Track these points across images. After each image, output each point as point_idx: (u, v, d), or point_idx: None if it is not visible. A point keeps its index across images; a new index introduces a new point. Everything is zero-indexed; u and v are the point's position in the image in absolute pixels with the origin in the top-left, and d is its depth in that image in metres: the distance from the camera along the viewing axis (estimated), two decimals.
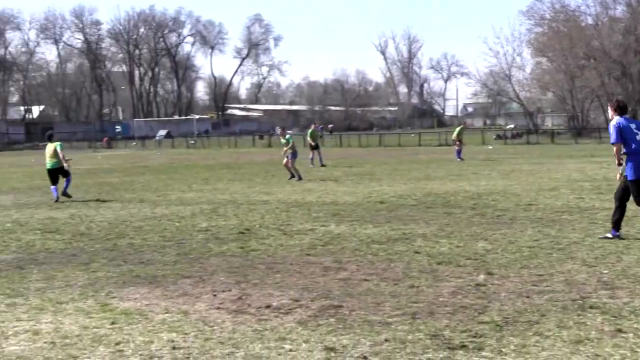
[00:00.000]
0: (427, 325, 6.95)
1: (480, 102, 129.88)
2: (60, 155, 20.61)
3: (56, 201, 20.06)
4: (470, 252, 10.66)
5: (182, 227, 14.36)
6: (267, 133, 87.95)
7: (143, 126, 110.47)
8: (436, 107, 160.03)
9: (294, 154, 26.35)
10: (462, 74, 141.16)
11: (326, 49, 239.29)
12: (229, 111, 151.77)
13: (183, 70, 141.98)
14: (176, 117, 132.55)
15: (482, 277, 8.96)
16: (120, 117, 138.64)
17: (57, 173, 20.72)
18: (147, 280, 9.39)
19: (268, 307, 7.84)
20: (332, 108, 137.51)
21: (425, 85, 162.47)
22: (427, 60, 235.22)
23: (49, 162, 20.76)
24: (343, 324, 7.11)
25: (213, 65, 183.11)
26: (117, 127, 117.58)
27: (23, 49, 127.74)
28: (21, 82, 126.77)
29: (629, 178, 11.28)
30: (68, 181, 20.82)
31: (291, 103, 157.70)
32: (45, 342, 6.74)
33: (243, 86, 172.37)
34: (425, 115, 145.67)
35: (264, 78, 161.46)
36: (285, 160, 26.47)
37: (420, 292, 8.31)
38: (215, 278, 9.41)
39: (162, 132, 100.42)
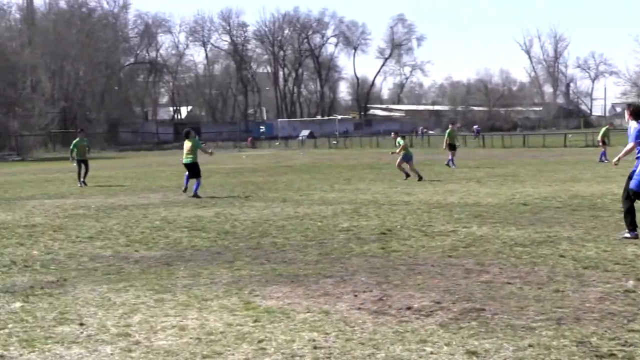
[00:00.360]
0: (573, 332, 6.74)
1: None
2: (200, 150, 22.59)
3: (184, 191, 22.08)
4: (619, 256, 10.27)
5: (324, 226, 14.48)
6: (409, 133, 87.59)
7: (286, 126, 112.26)
8: (583, 107, 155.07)
9: (406, 156, 27.13)
10: (611, 73, 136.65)
11: (469, 48, 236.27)
12: (371, 111, 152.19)
13: (326, 70, 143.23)
14: (319, 117, 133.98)
15: (631, 283, 8.62)
16: (265, 117, 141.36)
17: (191, 169, 22.13)
18: (289, 279, 9.50)
19: (409, 308, 7.79)
20: (475, 108, 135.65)
21: (572, 84, 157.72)
22: (573, 59, 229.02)
23: (185, 158, 22.31)
24: (485, 327, 6.98)
25: (356, 66, 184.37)
26: (261, 127, 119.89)
27: (173, 52, 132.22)
28: (171, 84, 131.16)
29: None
30: (198, 184, 21.91)
31: (433, 103, 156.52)
32: (191, 338, 6.92)
33: (385, 86, 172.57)
34: (572, 116, 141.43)
35: (407, 78, 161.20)
36: (397, 161, 27.58)
37: (566, 297, 8.07)
38: (357, 278, 9.43)
39: (305, 132, 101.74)
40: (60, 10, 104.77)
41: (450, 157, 33.67)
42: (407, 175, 26.72)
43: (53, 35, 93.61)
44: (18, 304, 8.45)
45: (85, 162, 27.53)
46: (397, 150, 27.31)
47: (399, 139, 27.92)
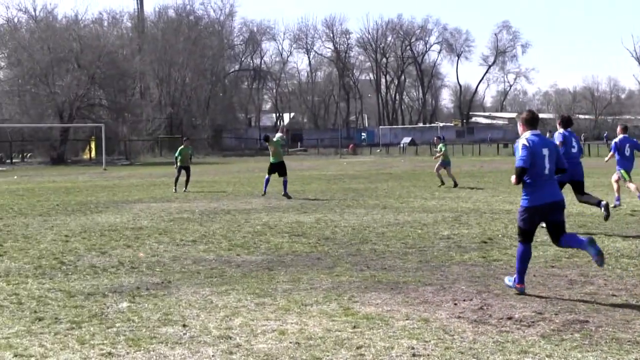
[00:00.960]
0: None
1: None
2: (277, 148, 24.79)
3: (263, 195, 24.34)
4: None
5: (424, 234, 14.40)
6: (513, 141, 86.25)
7: (388, 133, 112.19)
8: None
9: (444, 162, 27.98)
10: None
11: (576, 55, 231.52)
12: (474, 119, 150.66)
13: (429, 78, 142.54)
14: (420, 124, 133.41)
15: None
16: (366, 124, 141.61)
17: (275, 168, 24.60)
18: (389, 286, 9.49)
19: (510, 318, 7.68)
20: (581, 117, 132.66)
21: None
22: None
23: (272, 158, 24.74)
24: (589, 340, 6.82)
25: (459, 73, 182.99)
26: (362, 134, 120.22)
27: (277, 59, 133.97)
28: (274, 90, 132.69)
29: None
30: (285, 182, 24.20)
31: (538, 111, 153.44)
32: (290, 342, 6.98)
33: (488, 94, 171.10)
34: None
35: (510, 86, 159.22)
36: (436, 166, 28.47)
37: None
38: (457, 287, 9.35)
39: (406, 139, 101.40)
40: (169, 18, 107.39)
41: None
42: (442, 183, 27.66)
43: (162, 43, 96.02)
44: (125, 304, 8.70)
45: (187, 169, 28.01)
46: (437, 155, 28.28)
47: (440, 144, 28.54)
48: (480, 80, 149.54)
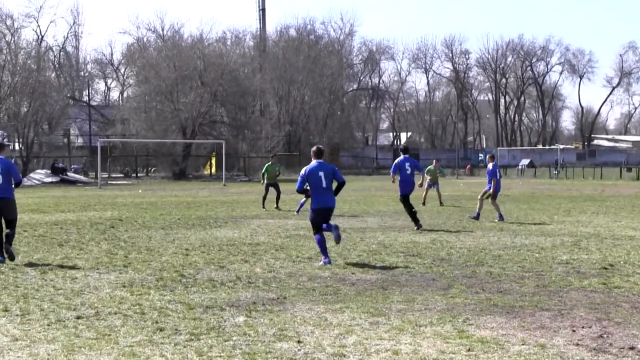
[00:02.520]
0: None
1: None
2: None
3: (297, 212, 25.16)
4: None
5: (541, 258, 14.11)
6: (637, 165, 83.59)
7: (506, 154, 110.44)
8: None
9: (433, 182, 30.68)
10: None
11: None
12: (595, 142, 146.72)
13: (549, 99, 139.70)
14: (539, 146, 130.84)
15: None
16: (484, 145, 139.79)
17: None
18: (505, 309, 9.34)
19: (632, 348, 7.44)
20: None
21: None
22: None
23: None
24: None
25: (580, 94, 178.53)
26: (480, 154, 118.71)
27: (395, 78, 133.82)
28: (391, 110, 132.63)
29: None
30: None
31: None
32: None
33: (612, 116, 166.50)
34: None
35: (635, 108, 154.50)
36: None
37: None
38: (575, 313, 9.12)
39: (525, 161, 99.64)
40: (290, 37, 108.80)
41: None
42: (424, 204, 29.33)
43: (282, 62, 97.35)
44: (242, 318, 8.84)
45: (276, 186, 27.72)
46: (427, 179, 28.41)
47: (439, 165, 31.59)
48: (604, 102, 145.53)
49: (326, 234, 13.63)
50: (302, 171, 13.80)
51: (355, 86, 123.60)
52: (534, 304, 9.65)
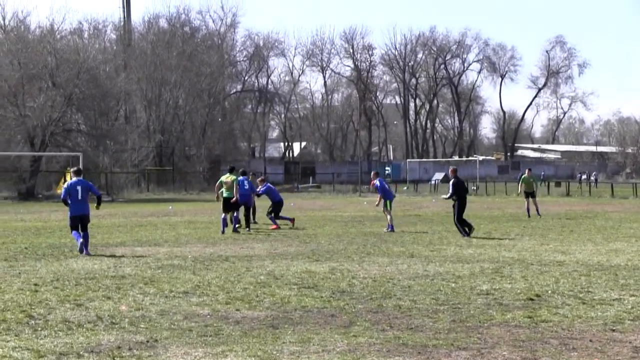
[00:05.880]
0: None
1: None
2: (234, 189, 27.88)
3: (222, 233, 26.97)
4: None
5: (458, 288, 14.38)
6: (567, 179, 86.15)
7: (417, 168, 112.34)
8: None
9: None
10: None
11: None
12: (520, 152, 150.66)
13: (466, 102, 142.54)
14: (456, 157, 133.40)
15: None
16: (391, 157, 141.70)
17: (229, 204, 27.79)
18: (416, 349, 9.47)
19: None
20: None
21: None
22: None
23: (226, 192, 27.95)
24: None
25: (502, 97, 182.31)
26: (387, 168, 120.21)
27: (286, 78, 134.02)
28: (282, 116, 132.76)
29: None
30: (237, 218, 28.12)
31: (597, 143, 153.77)
32: None
33: (538, 122, 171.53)
34: None
35: (564, 113, 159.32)
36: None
37: None
38: (497, 352, 9.32)
39: (439, 176, 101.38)
40: (160, 29, 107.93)
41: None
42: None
43: (151, 59, 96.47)
44: None
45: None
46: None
47: (532, 174, 33.48)
48: (529, 106, 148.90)
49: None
50: (65, 185, 21.41)
51: (239, 87, 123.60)
52: (449, 342, 9.81)
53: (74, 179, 21.53)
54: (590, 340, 9.88)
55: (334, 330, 10.66)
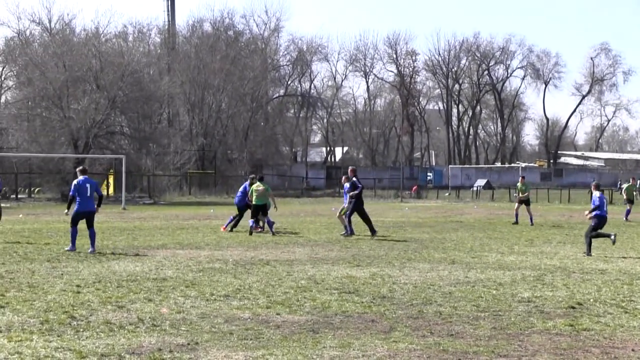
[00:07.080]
0: None
1: None
2: (270, 196, 29.74)
3: (250, 234, 28.35)
4: None
5: (499, 295, 14.33)
6: (610, 187, 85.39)
7: (459, 174, 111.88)
8: None
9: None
10: None
11: None
12: (563, 159, 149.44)
13: (509, 109, 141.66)
14: (498, 164, 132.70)
15: None
16: (433, 163, 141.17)
17: (259, 210, 29.15)
18: (456, 356, 9.45)
19: None
20: None
21: None
22: None
23: (258, 200, 29.07)
24: None
25: (546, 104, 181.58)
26: (428, 174, 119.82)
27: (329, 83, 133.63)
28: (325, 120, 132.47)
29: None
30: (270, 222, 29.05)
31: None
32: None
33: (581, 130, 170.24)
34: None
35: (608, 120, 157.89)
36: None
37: None
38: (538, 359, 9.29)
39: (481, 182, 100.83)
40: (204, 33, 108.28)
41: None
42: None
43: (195, 62, 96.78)
44: None
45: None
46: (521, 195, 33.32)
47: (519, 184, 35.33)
48: (572, 113, 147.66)
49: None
50: (75, 182, 22.02)
51: (282, 92, 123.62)
52: (490, 350, 9.79)
53: (82, 177, 22.16)
54: (632, 350, 9.82)
55: (374, 335, 10.67)
